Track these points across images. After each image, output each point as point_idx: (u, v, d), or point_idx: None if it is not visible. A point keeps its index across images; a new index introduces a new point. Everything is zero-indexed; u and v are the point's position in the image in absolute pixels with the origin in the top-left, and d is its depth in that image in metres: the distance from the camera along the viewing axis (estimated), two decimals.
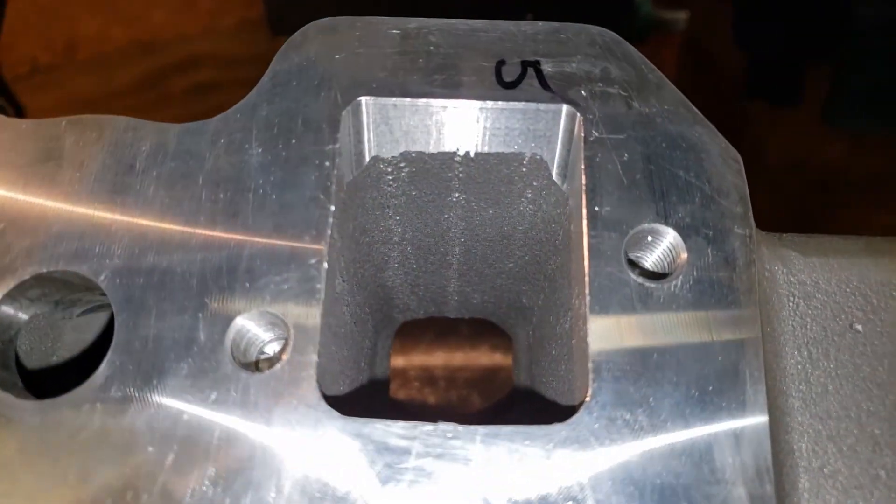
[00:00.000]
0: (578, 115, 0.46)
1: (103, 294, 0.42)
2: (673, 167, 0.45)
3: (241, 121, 0.45)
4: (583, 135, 0.45)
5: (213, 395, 0.39)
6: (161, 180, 0.44)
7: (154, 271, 0.42)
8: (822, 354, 0.43)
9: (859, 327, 0.44)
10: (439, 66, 0.47)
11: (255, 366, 0.42)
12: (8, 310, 0.43)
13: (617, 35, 0.48)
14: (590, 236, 0.43)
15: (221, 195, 0.44)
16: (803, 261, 0.46)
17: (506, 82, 0.46)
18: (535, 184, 0.51)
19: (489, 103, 0.46)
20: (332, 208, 0.43)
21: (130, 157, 0.45)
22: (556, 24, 0.48)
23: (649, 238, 0.44)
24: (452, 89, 0.46)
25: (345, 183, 0.47)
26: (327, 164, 0.44)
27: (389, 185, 0.51)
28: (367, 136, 0.47)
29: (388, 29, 0.48)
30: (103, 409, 0.39)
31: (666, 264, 0.44)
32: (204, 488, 0.38)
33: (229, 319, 0.41)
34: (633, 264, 0.43)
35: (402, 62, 0.47)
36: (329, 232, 0.42)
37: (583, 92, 0.46)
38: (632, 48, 0.48)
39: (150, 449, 0.38)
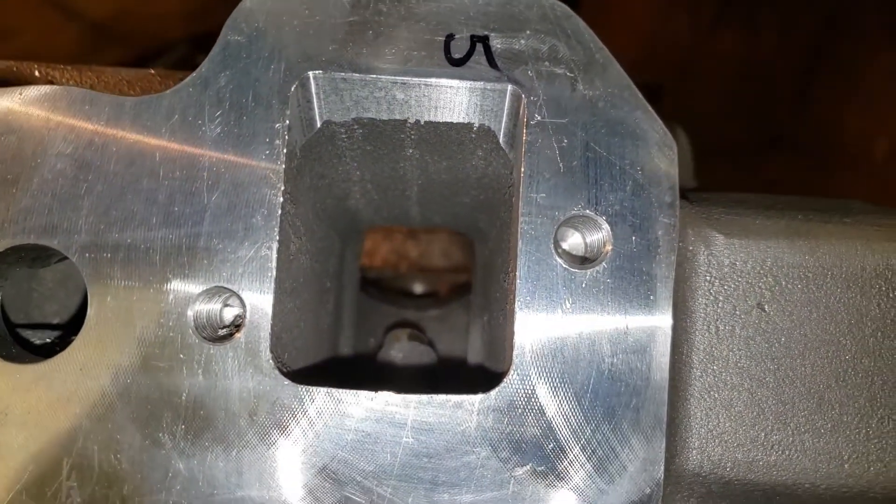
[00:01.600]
0: (523, 96, 0.46)
1: None
2: (609, 154, 0.46)
3: (193, 95, 0.46)
4: (524, 116, 0.46)
5: (180, 363, 0.44)
6: (120, 155, 0.46)
7: (119, 247, 0.45)
8: (728, 331, 0.48)
9: (766, 307, 0.48)
10: (388, 38, 0.46)
11: (219, 335, 0.46)
12: None
13: (569, 9, 0.47)
14: (522, 221, 0.45)
15: (178, 172, 0.45)
16: (724, 242, 0.48)
17: (454, 58, 0.46)
18: (484, 146, 0.52)
19: (436, 80, 0.46)
20: (282, 187, 0.45)
21: (87, 131, 0.46)
22: None
23: (579, 225, 0.46)
24: (401, 65, 0.46)
25: (297, 149, 0.49)
26: (277, 141, 0.45)
27: (343, 142, 0.52)
28: (318, 106, 0.48)
29: None
30: (78, 377, 0.44)
31: (592, 250, 0.47)
32: (176, 437, 0.44)
33: (190, 294, 0.45)
34: (560, 248, 0.46)
35: (352, 34, 0.46)
36: (279, 209, 0.45)
37: (529, 72, 0.46)
38: (583, 24, 0.47)
39: (127, 409, 0.44)
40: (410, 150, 0.53)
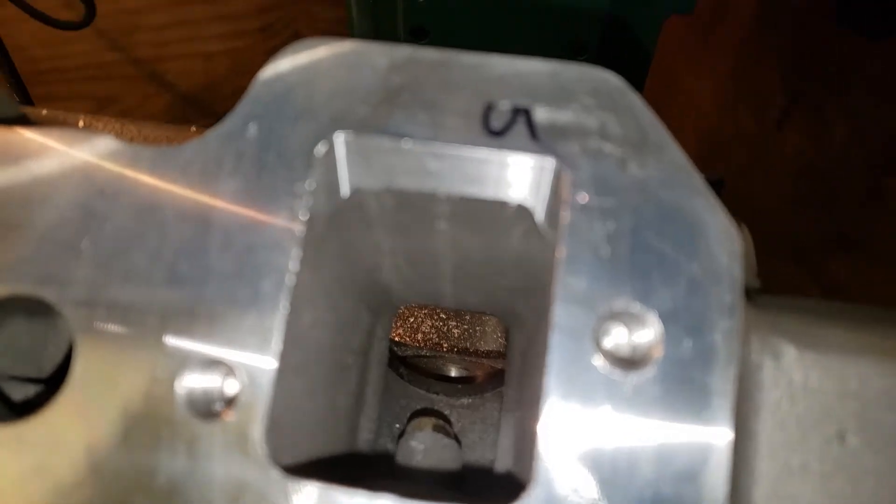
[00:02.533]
0: (566, 173, 0.42)
1: None
2: (662, 243, 0.41)
3: (214, 148, 0.43)
4: (568, 194, 0.41)
5: (163, 440, 0.40)
6: (130, 208, 0.43)
7: (116, 305, 0.41)
8: (800, 464, 0.41)
9: (849, 438, 0.41)
10: (424, 103, 0.43)
11: (210, 412, 0.42)
12: None
13: (624, 82, 0.43)
14: (558, 310, 0.40)
15: (188, 229, 0.42)
16: (797, 355, 0.42)
17: (492, 129, 0.42)
18: (522, 225, 0.48)
19: (472, 150, 0.42)
20: (297, 252, 0.41)
21: (103, 181, 0.43)
22: (557, 65, 0.43)
23: (623, 321, 0.41)
24: (436, 131, 0.42)
25: (321, 214, 0.45)
26: (296, 203, 0.42)
27: (373, 211, 0.49)
28: (346, 170, 0.44)
29: (377, 56, 0.44)
30: (50, 446, 0.40)
31: (639, 352, 0.41)
32: None
33: (184, 363, 0.40)
34: (601, 347, 0.41)
35: (386, 97, 0.43)
36: (290, 277, 0.41)
37: (575, 147, 0.42)
38: (638, 99, 0.43)
39: (95, 486, 0.39)
40: (443, 224, 0.49)
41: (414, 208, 0.47)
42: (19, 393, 0.49)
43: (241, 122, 0.43)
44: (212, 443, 0.40)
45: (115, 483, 0.39)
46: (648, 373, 0.39)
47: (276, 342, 0.40)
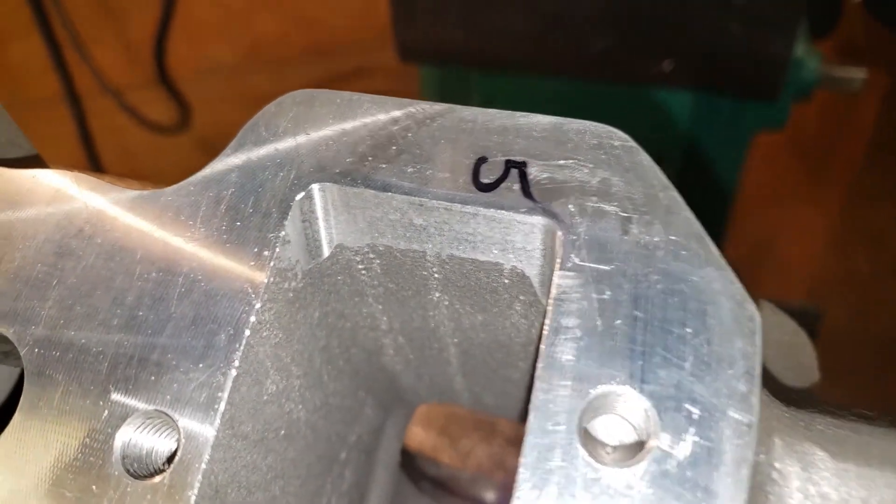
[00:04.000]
0: (559, 232, 0.38)
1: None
2: (665, 317, 0.36)
3: (192, 194, 0.43)
4: (560, 257, 0.38)
5: (88, 496, 0.37)
6: (103, 248, 0.42)
7: (72, 347, 0.40)
8: None
9: None
10: (412, 156, 0.41)
11: (145, 470, 0.39)
12: None
13: (631, 139, 0.40)
14: (538, 388, 0.36)
15: (154, 274, 0.41)
16: (833, 466, 0.35)
17: (482, 183, 0.40)
18: (521, 298, 0.44)
19: (457, 206, 0.40)
20: (258, 305, 0.39)
21: (80, 220, 0.43)
22: (560, 120, 0.41)
23: (614, 405, 0.35)
24: (420, 185, 0.40)
25: (296, 269, 0.43)
26: (265, 252, 0.40)
27: (362, 274, 0.46)
28: (327, 223, 0.43)
29: (371, 108, 0.43)
30: None
31: (630, 443, 0.36)
32: None
33: (126, 414, 0.38)
34: (586, 434, 0.35)
35: (374, 148, 0.42)
36: (246, 330, 0.39)
37: (570, 206, 0.39)
38: (646, 158, 0.39)
39: None
40: (438, 294, 0.46)
41: (403, 271, 0.45)
42: None
43: (224, 167, 0.43)
44: (137, 500, 0.36)
45: None
46: (639, 469, 0.34)
47: (221, 400, 0.38)
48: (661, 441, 0.34)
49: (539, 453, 0.34)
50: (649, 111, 1.17)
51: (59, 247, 0.43)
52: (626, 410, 0.35)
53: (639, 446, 0.35)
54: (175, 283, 0.40)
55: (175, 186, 0.43)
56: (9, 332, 0.41)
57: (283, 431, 0.45)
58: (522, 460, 0.34)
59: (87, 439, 0.38)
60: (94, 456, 0.38)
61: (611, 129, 0.40)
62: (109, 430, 0.38)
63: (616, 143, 0.40)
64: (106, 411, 0.38)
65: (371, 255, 0.44)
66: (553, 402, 0.35)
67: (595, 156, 0.40)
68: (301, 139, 0.43)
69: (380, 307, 0.49)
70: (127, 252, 0.42)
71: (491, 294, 0.44)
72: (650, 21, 1.16)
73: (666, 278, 0.37)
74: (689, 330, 0.36)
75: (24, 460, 0.38)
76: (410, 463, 0.76)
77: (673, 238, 0.38)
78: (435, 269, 0.44)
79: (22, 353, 0.40)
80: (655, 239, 0.38)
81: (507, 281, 0.43)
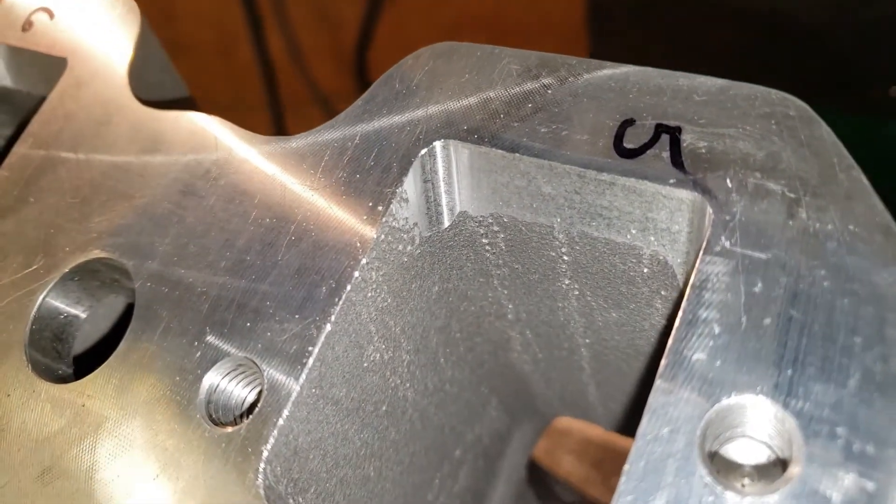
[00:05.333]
0: (710, 210, 0.33)
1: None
2: (830, 321, 0.30)
3: (319, 143, 0.42)
4: (707, 239, 0.32)
5: (174, 438, 0.36)
6: (225, 191, 0.42)
7: (179, 285, 0.40)
8: None
9: None
10: (550, 115, 0.37)
11: (225, 416, 0.38)
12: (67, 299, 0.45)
13: (810, 109, 0.33)
14: (657, 388, 0.30)
15: (268, 220, 0.40)
16: None
17: (625, 149, 0.35)
18: (663, 293, 0.38)
19: (591, 172, 0.35)
20: (364, 260, 0.37)
21: (208, 161, 0.44)
22: (727, 83, 0.35)
23: (748, 418, 0.29)
24: (553, 146, 0.36)
25: (417, 235, 0.40)
26: (380, 207, 0.38)
27: (486, 251, 0.43)
28: (449, 186, 0.40)
29: (511, 63, 0.40)
30: (78, 413, 0.39)
31: (763, 467, 0.30)
32: None
33: (216, 358, 0.37)
34: (708, 450, 0.30)
35: (507, 105, 0.38)
36: (348, 285, 0.37)
37: (727, 181, 0.33)
38: (827, 132, 0.33)
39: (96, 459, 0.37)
40: (567, 282, 0.42)
41: (530, 250, 0.41)
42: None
43: (353, 119, 0.42)
44: (212, 451, 0.35)
45: (111, 460, 0.36)
46: (772, 501, 0.27)
47: (311, 354, 0.36)
48: (805, 471, 0.27)
49: (648, 464, 0.29)
50: (872, 144, 1.03)
51: (186, 186, 0.43)
52: (763, 427, 0.29)
53: (774, 472, 0.29)
54: (286, 231, 0.40)
55: (304, 134, 0.42)
56: (129, 265, 0.42)
57: (384, 407, 0.43)
58: (627, 468, 0.29)
59: (178, 377, 0.38)
60: (180, 395, 0.37)
61: (786, 97, 0.34)
62: (199, 372, 0.37)
63: (792, 113, 0.34)
64: (199, 353, 0.38)
65: (495, 228, 0.41)
66: (674, 405, 0.30)
67: (764, 125, 0.34)
68: (433, 93, 0.40)
69: (505, 292, 0.45)
70: (246, 196, 0.42)
71: (627, 286, 0.39)
72: (877, 35, 1.04)
73: (836, 275, 0.30)
74: (858, 340, 0.29)
75: (120, 389, 0.39)
76: (543, 484, 0.71)
77: (851, 228, 0.31)
78: (564, 250, 0.39)
79: (136, 286, 0.41)
80: (828, 227, 0.31)
81: (646, 270, 0.38)
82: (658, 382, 0.30)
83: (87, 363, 0.43)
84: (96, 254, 0.43)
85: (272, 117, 1.97)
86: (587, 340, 0.46)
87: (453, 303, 0.46)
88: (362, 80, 1.99)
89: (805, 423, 0.28)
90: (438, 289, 0.44)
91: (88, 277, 0.45)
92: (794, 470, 0.28)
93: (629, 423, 0.53)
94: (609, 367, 0.47)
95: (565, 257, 0.40)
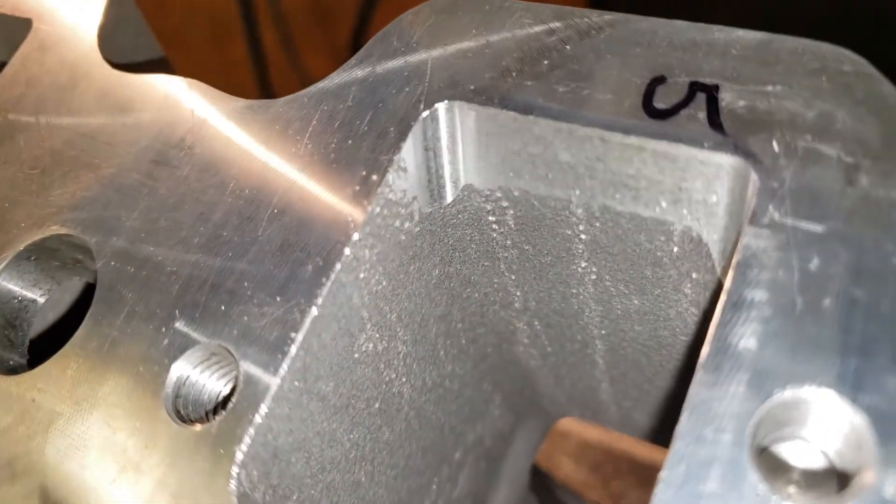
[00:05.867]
0: (755, 176, 0.28)
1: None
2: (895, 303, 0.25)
3: (305, 107, 0.37)
4: (752, 210, 0.28)
5: (135, 437, 0.32)
6: (200, 159, 0.38)
7: (147, 263, 0.36)
8: None
9: None
10: (568, 73, 0.33)
11: (195, 412, 0.33)
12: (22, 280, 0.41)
13: (868, 63, 0.29)
14: (699, 380, 0.26)
15: (247, 191, 0.36)
16: None
17: (655, 109, 0.31)
18: (694, 276, 0.34)
19: (617, 136, 0.31)
20: (356, 237, 0.33)
21: (183, 128, 0.39)
22: (769, 36, 0.31)
23: (807, 415, 0.25)
24: (573, 108, 0.32)
25: (416, 211, 0.36)
26: (374, 177, 0.34)
27: (493, 229, 0.38)
28: (453, 155, 0.36)
29: (523, 17, 0.35)
30: (29, 406, 0.34)
31: (829, 471, 0.25)
32: None
33: (185, 346, 0.33)
34: (762, 453, 0.25)
35: (520, 62, 0.34)
36: (337, 264, 0.32)
37: (774, 144, 0.29)
38: (890, 88, 0.29)
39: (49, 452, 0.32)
40: (584, 264, 0.37)
41: (543, 228, 0.36)
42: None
43: (344, 79, 0.37)
44: (178, 449, 0.31)
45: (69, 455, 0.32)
46: None
47: (295, 347, 0.31)
48: (882, 479, 0.23)
49: (689, 469, 0.25)
50: None
51: (158, 155, 0.39)
52: (826, 426, 0.25)
53: (839, 479, 0.24)
54: (267, 203, 0.35)
55: (289, 97, 0.38)
56: (91, 242, 0.38)
57: (377, 404, 0.38)
58: (663, 474, 0.25)
59: (142, 368, 0.33)
60: (144, 388, 0.33)
61: (840, 50, 0.30)
62: (166, 362, 0.33)
63: (846, 69, 0.30)
64: (166, 340, 0.33)
65: (504, 203, 0.37)
66: (719, 400, 0.26)
67: (815, 82, 0.30)
68: (435, 51, 0.36)
69: (513, 277, 0.41)
70: (224, 165, 0.37)
71: (653, 268, 0.35)
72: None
73: None
74: None
75: (76, 381, 0.34)
76: (546, 488, 0.67)
77: None
78: (581, 227, 0.35)
79: (98, 266, 0.37)
80: (894, 195, 0.27)
81: (676, 249, 0.33)
82: (699, 374, 0.26)
83: (45, 353, 0.38)
84: (55, 230, 0.39)
85: None
86: (603, 332, 0.41)
87: (455, 288, 0.41)
88: None
89: (878, 420, 0.24)
90: (439, 272, 0.40)
91: (46, 257, 0.40)
92: (867, 477, 0.23)
93: (645, 424, 0.49)
94: (626, 362, 0.43)
95: (583, 236, 0.35)
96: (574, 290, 0.39)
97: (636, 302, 0.38)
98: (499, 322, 0.45)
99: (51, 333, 0.44)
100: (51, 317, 0.44)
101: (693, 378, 0.26)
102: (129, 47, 0.47)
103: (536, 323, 0.44)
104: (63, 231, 0.39)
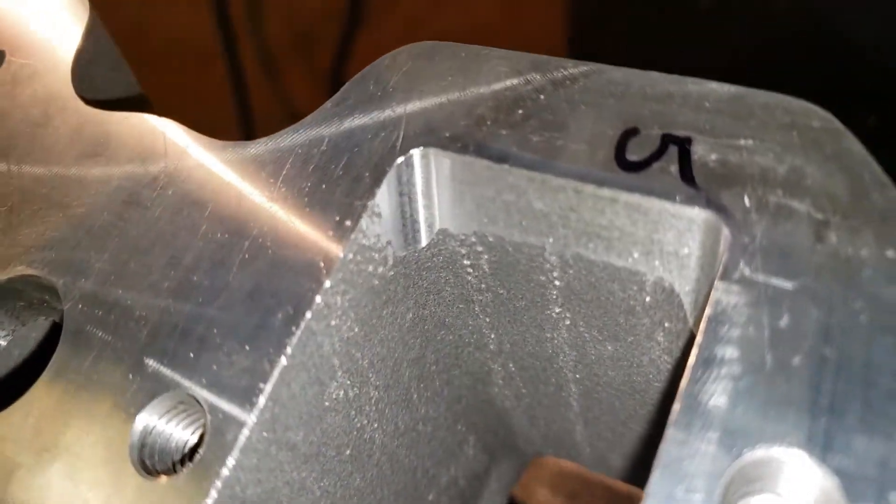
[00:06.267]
0: (727, 231, 0.29)
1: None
2: (870, 361, 0.25)
3: (281, 150, 0.37)
4: (723, 265, 0.28)
5: (99, 489, 0.31)
6: (173, 201, 0.37)
7: (116, 307, 0.35)
8: None
9: None
10: (543, 123, 0.33)
11: (160, 463, 0.33)
12: None
13: (836, 120, 0.30)
14: (668, 439, 0.26)
15: (219, 235, 0.35)
16: None
17: (627, 161, 0.31)
18: (666, 325, 0.34)
19: (590, 187, 0.31)
20: (327, 284, 0.32)
21: (156, 168, 0.39)
22: (742, 90, 0.32)
23: (778, 476, 0.25)
24: (547, 157, 0.32)
25: (390, 255, 0.36)
26: (347, 223, 0.33)
27: (468, 273, 0.38)
28: (428, 200, 0.35)
29: (499, 65, 0.36)
30: None
31: None
32: None
33: (153, 393, 0.32)
34: None
35: (495, 110, 0.34)
36: (308, 312, 0.32)
37: (745, 199, 0.29)
38: (857, 145, 0.29)
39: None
40: (558, 310, 0.37)
41: (517, 273, 0.36)
42: None
43: (320, 123, 0.37)
44: (144, 502, 0.30)
45: None
46: None
47: (263, 398, 0.31)
48: None
49: None
50: None
51: (130, 195, 0.38)
52: (796, 487, 0.25)
53: None
54: (240, 247, 0.35)
55: (265, 139, 0.38)
56: (58, 284, 0.37)
57: (348, 451, 0.38)
58: None
59: (108, 416, 0.33)
60: (110, 438, 0.32)
61: (809, 106, 0.31)
62: (132, 410, 0.32)
63: (815, 124, 0.30)
64: (134, 387, 0.33)
65: (479, 248, 0.36)
66: (689, 459, 0.25)
67: (786, 137, 0.30)
68: (412, 96, 0.36)
69: (487, 320, 0.41)
70: (197, 207, 0.37)
71: (626, 316, 0.35)
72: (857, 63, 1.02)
73: (874, 308, 0.26)
74: None
75: (37, 430, 0.33)
76: None
77: (890, 254, 0.27)
78: (556, 274, 0.35)
79: (65, 308, 0.36)
80: (862, 253, 0.27)
81: (648, 298, 0.33)
82: (670, 431, 0.26)
83: (7, 398, 0.38)
84: (21, 270, 0.38)
85: (244, 137, 1.90)
86: (577, 376, 0.41)
87: (429, 331, 0.41)
88: None
89: (848, 482, 0.24)
90: (413, 315, 0.39)
91: (11, 297, 0.39)
92: None
93: (618, 465, 0.49)
94: (600, 405, 0.43)
95: (557, 282, 0.35)
96: (548, 335, 0.39)
97: (610, 348, 0.38)
98: (473, 363, 0.45)
99: (14, 375, 0.43)
100: (15, 356, 0.43)
101: (663, 435, 0.26)
102: (104, 83, 0.47)
103: (511, 365, 0.44)
104: (30, 272, 0.38)
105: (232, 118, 1.86)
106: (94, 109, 0.43)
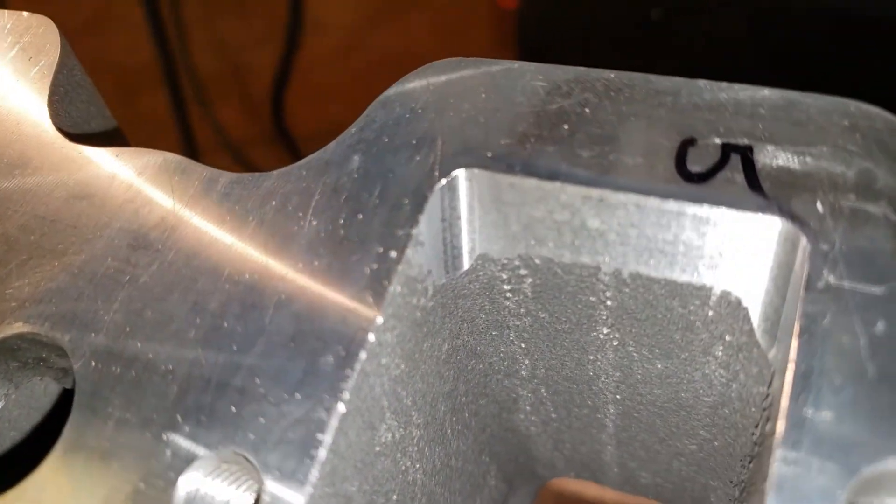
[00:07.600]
0: (804, 240, 0.28)
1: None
2: None
3: (305, 179, 0.34)
4: (806, 275, 0.27)
5: None
6: (186, 243, 0.34)
7: (135, 362, 0.32)
8: None
9: None
10: (591, 137, 0.32)
11: None
12: None
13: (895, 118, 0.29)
14: (778, 461, 0.25)
15: (247, 276, 0.33)
16: None
17: (690, 172, 0.30)
18: (727, 338, 0.33)
19: (653, 201, 0.30)
20: (380, 320, 0.30)
21: (162, 208, 0.36)
22: (794, 94, 0.31)
23: None
24: (602, 173, 0.31)
25: (430, 285, 0.34)
26: (393, 254, 0.31)
27: (507, 299, 0.37)
28: (471, 225, 0.34)
29: (534, 79, 0.34)
30: None
31: None
32: None
33: (192, 456, 0.29)
34: None
35: (538, 127, 0.33)
36: (362, 353, 0.29)
37: (819, 205, 0.28)
38: None
39: None
40: (606, 331, 0.36)
41: (563, 296, 0.35)
42: None
43: (345, 148, 0.35)
44: None
45: None
46: None
47: (324, 450, 0.28)
48: None
49: None
50: None
51: (135, 238, 0.35)
52: None
53: None
54: (273, 289, 0.32)
55: (283, 170, 0.35)
56: (64, 341, 0.33)
57: (395, 496, 0.35)
58: None
59: (143, 485, 0.29)
60: None
61: (868, 108, 0.30)
62: (171, 476, 0.29)
63: (878, 126, 0.30)
64: (169, 450, 0.30)
65: (522, 272, 0.35)
66: (804, 478, 0.24)
67: (849, 140, 0.30)
68: (445, 116, 0.34)
69: (522, 346, 0.39)
70: (215, 247, 0.34)
71: (683, 332, 0.34)
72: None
73: None
74: None
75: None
76: None
77: None
78: (609, 294, 0.34)
79: (75, 367, 0.33)
80: None
81: (711, 313, 0.32)
82: (779, 452, 0.25)
83: (7, 471, 0.34)
84: (17, 327, 0.34)
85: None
86: (618, 396, 0.40)
87: (461, 361, 0.39)
88: (278, 127, 1.90)
89: None
90: (448, 346, 0.37)
91: (4, 357, 0.35)
92: None
93: (650, 483, 0.48)
94: (639, 424, 0.41)
95: (609, 302, 0.34)
96: (591, 357, 0.38)
97: (659, 366, 0.36)
98: (501, 391, 0.43)
99: (12, 451, 0.39)
100: (10, 431, 0.39)
101: (772, 456, 0.25)
102: (81, 117, 0.43)
103: (543, 390, 0.42)
104: (26, 329, 0.34)
105: (177, 148, 1.81)
106: (77, 146, 0.39)
